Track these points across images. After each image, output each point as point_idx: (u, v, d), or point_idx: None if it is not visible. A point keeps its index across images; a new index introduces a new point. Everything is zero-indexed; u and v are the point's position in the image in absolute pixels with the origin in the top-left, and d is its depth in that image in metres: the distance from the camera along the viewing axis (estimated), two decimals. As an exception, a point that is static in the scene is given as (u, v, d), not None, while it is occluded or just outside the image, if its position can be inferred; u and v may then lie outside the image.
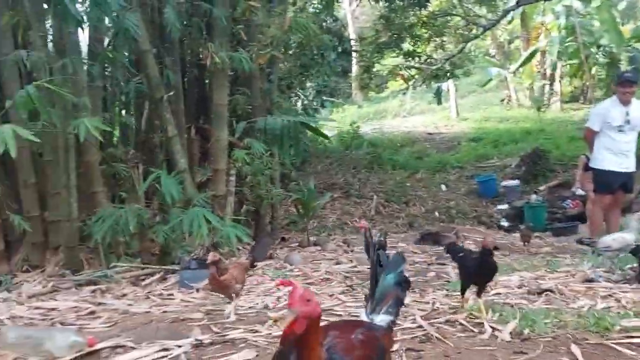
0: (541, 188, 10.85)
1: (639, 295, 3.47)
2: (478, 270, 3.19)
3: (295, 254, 5.74)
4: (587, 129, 5.99)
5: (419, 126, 16.72)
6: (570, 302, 3.46)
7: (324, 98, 21.63)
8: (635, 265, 4.06)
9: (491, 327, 2.89)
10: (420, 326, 3.00)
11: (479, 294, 3.21)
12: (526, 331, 2.72)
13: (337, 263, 5.61)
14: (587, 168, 7.05)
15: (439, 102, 18.87)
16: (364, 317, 1.74)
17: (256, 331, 2.97)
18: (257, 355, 2.57)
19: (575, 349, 2.40)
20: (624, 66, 13.77)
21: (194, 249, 5.50)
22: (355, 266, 5.38)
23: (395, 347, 2.61)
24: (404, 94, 18.61)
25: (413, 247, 7.09)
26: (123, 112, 7.08)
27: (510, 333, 2.74)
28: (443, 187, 12.18)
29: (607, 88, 13.68)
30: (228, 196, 6.24)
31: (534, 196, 10.35)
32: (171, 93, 5.81)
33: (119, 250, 5.11)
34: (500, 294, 3.94)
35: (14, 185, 5.29)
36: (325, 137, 7.69)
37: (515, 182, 11.28)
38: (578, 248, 6.29)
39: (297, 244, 7.35)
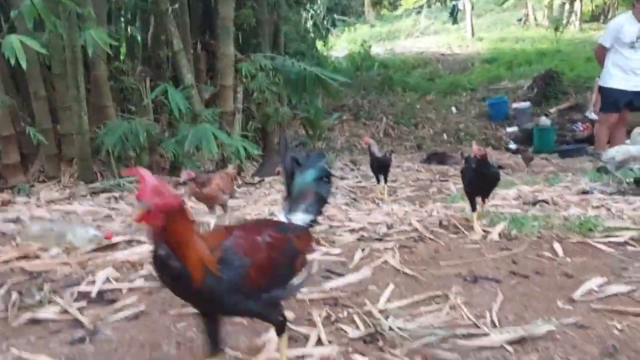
0: (552, 110, 10.77)
1: (629, 205, 3.60)
2: (477, 180, 3.13)
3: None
4: (599, 45, 5.87)
5: (432, 47, 16.32)
6: (562, 210, 3.61)
7: (336, 16, 21.07)
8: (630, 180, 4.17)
9: (482, 229, 3.07)
10: (416, 229, 3.18)
11: (482, 200, 3.26)
12: (514, 232, 2.88)
13: (342, 179, 5.79)
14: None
15: (455, 22, 18.21)
16: (281, 218, 1.58)
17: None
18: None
19: (557, 245, 2.57)
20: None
21: (203, 163, 5.70)
22: (360, 182, 5.56)
23: (390, 245, 2.81)
24: (419, 12, 17.98)
25: (419, 166, 7.24)
26: (129, 27, 7.04)
27: (499, 234, 2.91)
28: (453, 109, 12.12)
29: (631, 6, 13.12)
30: (235, 113, 6.33)
31: (543, 118, 10.29)
32: (176, 5, 5.75)
33: (130, 164, 5.30)
34: (497, 205, 4.10)
35: (25, 99, 5.42)
36: (336, 94, 7.53)
37: (527, 104, 11.18)
38: (580, 167, 6.40)
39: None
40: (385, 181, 4.91)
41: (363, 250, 2.65)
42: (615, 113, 5.77)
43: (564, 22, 14.75)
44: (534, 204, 3.96)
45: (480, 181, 3.12)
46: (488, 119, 11.61)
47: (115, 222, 3.60)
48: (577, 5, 14.41)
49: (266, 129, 7.26)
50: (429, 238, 2.97)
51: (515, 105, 11.26)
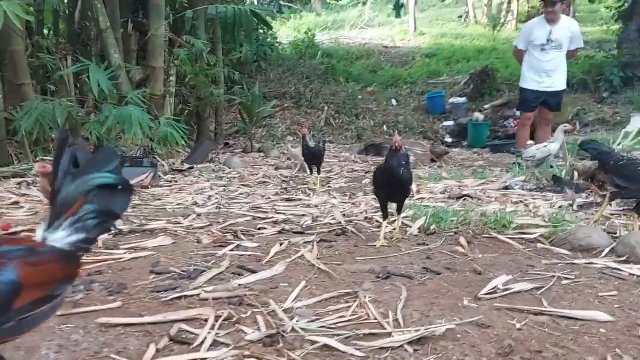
0: (486, 106, 11.08)
1: (546, 202, 3.71)
2: (388, 180, 2.67)
3: (235, 158, 5.76)
4: (514, 48, 6.06)
5: (376, 39, 16.39)
6: (484, 205, 3.68)
7: (282, 3, 20.75)
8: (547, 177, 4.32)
9: (404, 223, 3.06)
10: (340, 222, 3.13)
11: (398, 210, 2.82)
12: (433, 227, 2.89)
13: (277, 168, 5.68)
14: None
15: (398, 15, 18.43)
16: (38, 235, 1.20)
17: (178, 223, 3.03)
18: (173, 242, 2.64)
19: (463, 241, 2.60)
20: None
21: (130, 147, 5.42)
22: (293, 172, 5.47)
23: (311, 238, 2.74)
24: (364, 4, 17.99)
25: (356, 157, 7.24)
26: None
27: (419, 228, 2.91)
28: (394, 102, 12.24)
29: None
30: (167, 96, 6.06)
31: (477, 114, 10.59)
32: (104, -19, 5.40)
33: (49, 145, 4.96)
34: (423, 198, 4.14)
35: None
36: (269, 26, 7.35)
37: (463, 99, 11.46)
38: (508, 163, 6.61)
39: (241, 150, 7.36)
40: (319, 172, 4.86)
41: (281, 244, 2.57)
42: (529, 113, 5.98)
43: (502, 21, 15.19)
44: (459, 198, 4.02)
45: (389, 183, 2.68)
46: (426, 112, 11.82)
47: (22, 209, 3.34)
48: (514, 5, 14.87)
49: (200, 114, 7.02)
50: (352, 232, 2.93)
51: (452, 100, 11.52)
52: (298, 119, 10.91)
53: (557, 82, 5.76)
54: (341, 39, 15.96)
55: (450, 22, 17.54)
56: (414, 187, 4.50)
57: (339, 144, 10.03)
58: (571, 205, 3.61)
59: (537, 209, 3.43)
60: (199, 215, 3.23)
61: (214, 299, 1.89)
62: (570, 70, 11.34)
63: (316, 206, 3.73)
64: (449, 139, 10.75)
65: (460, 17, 17.49)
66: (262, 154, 6.96)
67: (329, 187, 4.91)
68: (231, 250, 2.49)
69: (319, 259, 2.39)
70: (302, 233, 2.85)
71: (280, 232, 2.87)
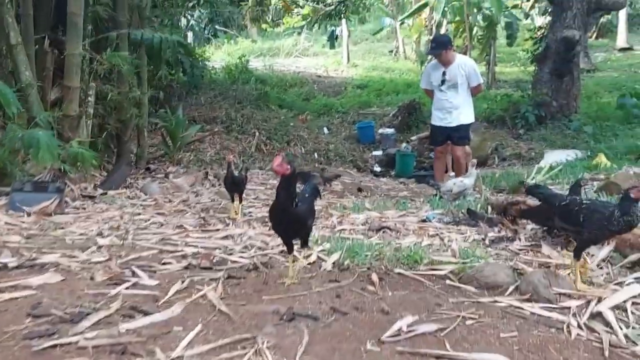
0: (413, 138, 11.42)
1: (461, 235, 3.76)
2: (281, 215, 2.37)
3: (153, 184, 5.49)
4: (423, 89, 6.37)
5: (310, 68, 16.61)
6: (401, 238, 3.68)
7: (217, 27, 20.62)
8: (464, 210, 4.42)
9: (319, 257, 2.97)
10: (253, 256, 3.00)
11: (302, 245, 2.62)
12: (347, 262, 2.82)
13: (197, 195, 5.46)
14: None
15: (332, 46, 18.86)
16: None
17: (74, 256, 2.77)
18: (63, 279, 2.39)
19: (375, 277, 2.54)
20: (499, 30, 14.61)
21: (39, 171, 5.02)
22: (214, 199, 5.27)
23: (218, 274, 2.58)
24: (299, 33, 18.24)
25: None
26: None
27: (333, 263, 2.83)
28: (325, 130, 12.34)
29: (484, 49, 14.49)
30: (83, 117, 5.72)
31: (404, 145, 10.87)
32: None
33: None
34: (344, 229, 4.08)
35: None
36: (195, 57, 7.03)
37: (391, 130, 11.74)
38: (430, 194, 6.76)
39: (163, 174, 7.05)
40: (240, 200, 4.70)
41: (183, 282, 2.39)
42: (439, 147, 6.21)
43: (429, 57, 15.86)
44: (378, 230, 4.00)
45: (282, 219, 2.41)
46: (357, 141, 12.00)
47: None
48: (440, 43, 15.60)
49: (121, 136, 6.68)
50: (264, 266, 2.80)
51: (381, 130, 11.78)
52: (228, 143, 10.70)
53: (457, 118, 5.98)
54: (275, 66, 16.03)
55: (381, 56, 18.15)
56: (334, 218, 4.49)
57: (266, 170, 9.93)
58: (483, 239, 3.67)
59: (450, 242, 3.47)
60: (99, 247, 2.98)
61: (93, 347, 1.69)
62: (491, 107, 12.05)
63: (232, 237, 3.57)
64: (377, 168, 10.94)
65: (391, 51, 18.13)
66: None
67: (251, 215, 4.76)
68: (126, 288, 2.28)
69: (222, 298, 2.23)
70: (209, 268, 2.68)
71: (186, 268, 2.68)
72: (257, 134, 11.08)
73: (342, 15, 14.21)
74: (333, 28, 18.00)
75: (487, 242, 3.61)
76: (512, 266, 2.77)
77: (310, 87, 14.61)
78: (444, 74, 5.82)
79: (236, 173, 4.65)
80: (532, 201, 4.27)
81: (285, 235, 2.50)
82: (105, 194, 5.01)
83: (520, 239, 3.63)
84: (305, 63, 17.25)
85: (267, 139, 11.11)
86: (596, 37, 19.00)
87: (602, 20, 18.15)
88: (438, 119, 6.00)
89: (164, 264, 2.72)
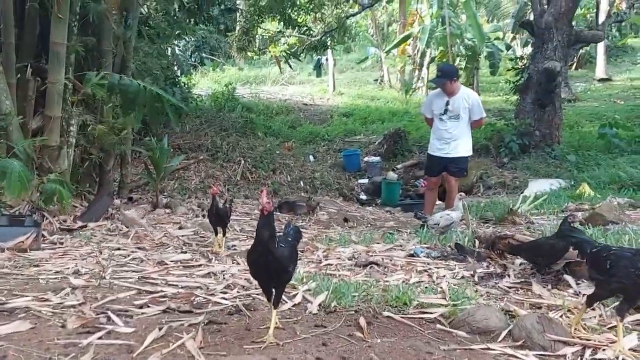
0: (398, 166, 11.42)
1: (450, 272, 3.68)
2: (258, 257, 2.18)
3: (134, 216, 5.32)
4: (423, 115, 6.32)
5: (296, 96, 16.68)
6: (389, 274, 3.58)
7: (204, 55, 20.69)
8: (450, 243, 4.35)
9: (304, 297, 2.86)
10: (235, 297, 2.87)
11: (275, 300, 2.30)
12: (333, 304, 2.71)
13: (181, 228, 5.31)
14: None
15: (318, 75, 19.00)
16: None
17: (46, 300, 2.61)
18: (32, 327, 2.24)
19: (362, 322, 2.43)
20: (482, 60, 14.85)
21: (17, 203, 4.85)
22: (196, 232, 5.13)
23: (199, 319, 2.45)
24: (286, 61, 18.36)
25: (267, 214, 7.00)
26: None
27: (320, 305, 2.71)
28: (311, 157, 12.30)
29: (467, 78, 14.70)
30: (64, 147, 5.57)
31: (390, 173, 10.86)
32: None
33: None
34: (330, 265, 3.98)
35: None
36: (177, 119, 6.72)
37: (377, 158, 11.74)
38: (417, 224, 6.69)
39: (146, 205, 6.89)
40: (224, 234, 4.58)
41: (160, 328, 2.25)
42: (434, 177, 6.13)
43: (413, 86, 16.06)
44: (365, 265, 3.90)
45: (261, 262, 2.18)
46: (342, 169, 11.97)
47: None
48: (424, 72, 15.82)
49: (103, 165, 6.53)
50: (246, 309, 2.67)
51: (366, 158, 11.77)
52: (213, 172, 10.58)
53: (455, 149, 5.91)
54: (262, 93, 16.06)
55: (366, 85, 18.33)
56: (320, 252, 4.39)
57: (255, 199, 9.82)
58: (472, 276, 3.59)
59: (439, 280, 3.38)
60: (73, 289, 2.82)
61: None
62: (475, 135, 12.11)
63: (215, 274, 3.44)
64: (363, 197, 10.89)
65: (376, 80, 18.33)
66: (168, 210, 6.55)
67: (235, 249, 4.63)
68: (100, 337, 2.14)
69: (201, 348, 2.10)
70: (189, 312, 2.55)
71: (164, 311, 2.54)
72: (242, 162, 10.99)
73: (327, 46, 14.33)
74: (319, 57, 18.15)
75: (476, 278, 3.53)
76: (503, 308, 2.68)
77: (296, 114, 14.64)
78: (447, 103, 5.75)
79: (220, 205, 4.54)
80: (521, 236, 4.23)
81: (266, 281, 2.32)
82: (85, 226, 4.84)
83: (509, 275, 3.56)
84: (292, 91, 17.34)
85: (252, 166, 11.02)
86: (576, 68, 19.44)
87: (581, 51, 18.61)
88: (436, 149, 5.92)
89: (141, 307, 2.58)
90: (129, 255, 3.86)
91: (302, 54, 16.15)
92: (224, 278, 3.32)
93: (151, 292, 2.89)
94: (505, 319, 2.45)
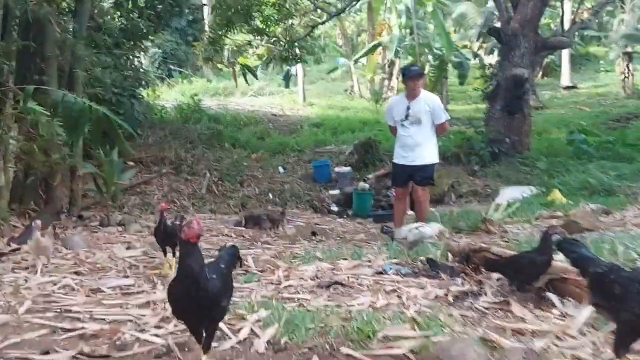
0: (369, 176, 11.06)
1: (421, 291, 3.28)
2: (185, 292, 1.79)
3: (75, 236, 4.79)
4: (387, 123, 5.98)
5: (265, 107, 16.25)
6: (354, 296, 3.16)
7: (172, 67, 20.12)
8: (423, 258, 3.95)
9: (252, 331, 2.41)
10: (170, 333, 2.40)
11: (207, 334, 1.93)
12: (284, 339, 2.26)
13: (129, 248, 4.79)
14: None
15: (287, 86, 18.64)
16: None
17: None
18: None
19: None
20: (451, 69, 14.74)
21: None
22: (146, 252, 4.62)
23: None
24: (243, 75, 17.96)
25: (231, 230, 6.50)
26: None
27: (268, 342, 2.27)
28: (280, 169, 11.86)
29: (436, 87, 14.53)
30: (2, 162, 5.02)
31: (361, 183, 10.49)
32: None
33: None
34: (291, 285, 3.54)
35: None
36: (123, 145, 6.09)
37: (348, 169, 11.38)
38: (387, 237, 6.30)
39: (98, 223, 6.33)
40: (174, 253, 4.09)
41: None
42: (400, 188, 5.77)
43: (383, 95, 15.83)
44: (329, 286, 3.47)
45: (188, 297, 1.79)
46: (313, 180, 11.56)
47: None
48: (394, 81, 15.61)
49: (49, 181, 5.96)
50: (178, 349, 2.20)
51: (337, 169, 11.39)
52: (177, 185, 10.04)
53: (420, 156, 5.54)
54: (230, 105, 15.57)
55: (337, 95, 18.03)
56: (280, 272, 3.95)
57: (221, 213, 9.34)
58: (446, 295, 3.20)
59: (410, 300, 2.97)
60: None
61: None
62: (445, 144, 11.91)
63: (154, 303, 2.95)
64: (334, 208, 10.48)
65: (346, 90, 18.06)
66: (121, 228, 6.00)
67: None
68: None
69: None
70: (106, 357, 2.07)
71: (74, 357, 2.06)
72: (208, 174, 10.48)
73: (297, 57, 13.99)
74: (288, 68, 17.78)
75: (450, 298, 3.14)
76: (482, 337, 2.28)
77: (265, 125, 14.19)
78: (407, 108, 5.42)
79: (169, 222, 4.06)
80: (497, 248, 3.86)
81: (195, 322, 1.88)
82: (19, 249, 4.28)
83: (486, 294, 3.17)
84: (261, 102, 16.90)
85: (219, 179, 10.51)
86: (542, 76, 19.57)
87: (546, 60, 18.74)
88: (400, 156, 5.56)
89: (46, 352, 2.09)
90: (58, 283, 3.34)
91: (271, 65, 15.79)
92: (163, 308, 2.84)
93: (68, 330, 2.40)
94: (485, 354, 2.05)
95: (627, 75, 16.30)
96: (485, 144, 10.94)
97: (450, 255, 4.04)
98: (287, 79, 17.73)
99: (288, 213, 8.03)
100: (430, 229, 4.30)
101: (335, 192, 10.94)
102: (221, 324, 2.42)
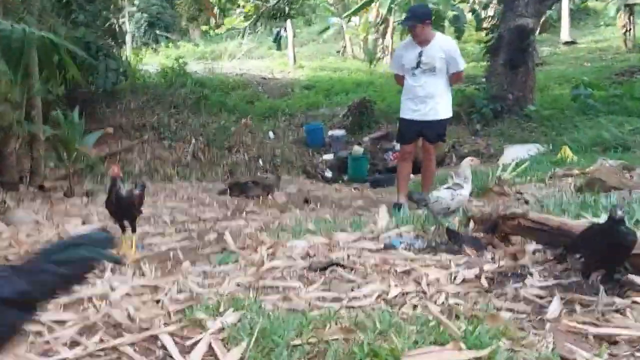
0: (365, 139, 10.18)
1: (443, 272, 2.45)
2: None
3: (20, 211, 3.91)
4: (393, 73, 5.00)
5: (254, 70, 15.13)
6: (357, 282, 2.33)
7: (158, 32, 18.81)
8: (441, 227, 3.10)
9: (212, 350, 1.56)
10: (89, 354, 1.55)
11: None
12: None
13: (84, 222, 3.92)
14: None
15: (278, 48, 17.46)
16: None
17: None
18: None
19: None
20: (446, 25, 13.67)
21: None
22: (105, 228, 3.75)
23: None
24: (243, 36, 16.73)
25: (212, 199, 5.62)
26: None
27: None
28: (271, 134, 10.93)
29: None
30: None
31: (356, 147, 9.61)
32: None
33: None
34: (276, 268, 2.71)
35: None
36: (76, 73, 5.06)
37: (342, 132, 10.47)
38: (389, 201, 5.44)
39: (63, 194, 5.43)
40: (133, 229, 3.24)
41: None
42: (407, 145, 4.89)
43: (377, 55, 14.73)
44: (324, 268, 2.64)
45: None
46: (305, 145, 10.66)
47: None
48: (388, 40, 14.48)
49: (2, 149, 5.04)
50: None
51: (330, 132, 10.49)
52: (160, 153, 9.12)
53: (433, 110, 4.65)
54: (217, 69, 14.44)
55: (328, 56, 16.87)
56: (263, 250, 3.06)
57: (208, 182, 8.49)
58: (478, 277, 2.37)
59: (432, 286, 2.15)
60: None
61: None
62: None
63: (90, 300, 2.11)
64: (328, 174, 9.64)
65: (338, 52, 16.92)
66: (87, 199, 5.11)
67: (150, 249, 3.30)
68: None
69: None
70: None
71: None
72: (193, 140, 9.54)
73: (285, 14, 12.84)
74: (278, 29, 16.55)
75: (484, 281, 2.31)
76: (560, 355, 1.44)
77: (254, 89, 13.14)
78: (420, 54, 4.48)
79: (124, 192, 3.18)
80: (536, 214, 3.01)
81: None
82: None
83: (531, 274, 2.35)
84: (251, 65, 15.75)
85: (205, 146, 9.58)
86: (540, 32, 18.44)
87: (544, 16, 17.60)
88: (409, 110, 4.65)
89: None
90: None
91: (260, 25, 14.62)
92: (96, 308, 1.99)
93: None
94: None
95: (628, 28, 15.23)
96: (487, 101, 10.01)
97: (471, 224, 3.19)
98: (278, 40, 16.55)
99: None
100: (468, 187, 3.33)
101: (329, 156, 10.08)
102: (167, 338, 1.57)
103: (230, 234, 3.48)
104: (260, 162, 9.68)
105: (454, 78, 4.81)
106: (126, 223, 3.24)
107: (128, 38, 17.92)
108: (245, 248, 3.20)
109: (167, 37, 18.97)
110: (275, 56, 17.02)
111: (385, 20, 13.80)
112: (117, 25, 10.30)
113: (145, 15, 18.44)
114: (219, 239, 3.51)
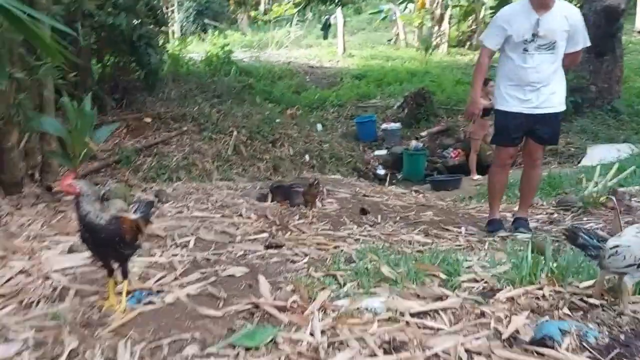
0: (423, 134, 8.78)
1: None
2: None
3: (15, 219, 2.80)
4: (482, 48, 3.48)
5: (302, 58, 13.89)
6: None
7: (207, 21, 17.87)
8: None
9: None
10: None
11: None
12: None
13: (71, 251, 2.77)
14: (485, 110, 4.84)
15: (326, 37, 16.17)
16: None
17: None
18: None
19: None
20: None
21: None
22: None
23: None
24: (291, 24, 15.50)
25: (250, 205, 4.36)
26: None
27: None
28: (319, 126, 9.68)
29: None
30: None
31: (414, 142, 8.25)
32: None
33: None
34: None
35: None
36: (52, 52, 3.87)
37: (397, 125, 9.11)
38: (476, 219, 4.06)
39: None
40: (124, 275, 2.05)
41: None
42: (510, 147, 3.47)
43: (433, 43, 13.16)
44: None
45: None
46: (356, 139, 9.38)
47: None
48: (445, 26, 12.88)
49: (2, 143, 4.00)
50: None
51: (384, 125, 9.14)
52: (199, 146, 8.04)
53: (548, 101, 3.29)
54: (264, 57, 13.29)
55: (380, 45, 15.40)
56: (316, 320, 1.80)
57: (249, 177, 7.37)
58: None
59: None
60: None
61: None
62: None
63: None
64: (381, 171, 8.33)
65: (390, 40, 15.39)
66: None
67: (150, 302, 2.11)
68: None
69: None
70: None
71: None
72: (235, 132, 8.41)
73: (336, 1, 11.48)
74: (327, 16, 15.21)
75: None
76: None
77: (301, 78, 11.92)
78: (537, 23, 3.10)
79: (102, 220, 1.98)
80: None
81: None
82: None
83: None
84: (298, 54, 14.52)
85: (247, 138, 8.43)
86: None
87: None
88: (516, 100, 3.25)
89: None
90: None
91: (309, 13, 13.35)
92: None
93: None
94: None
95: None
96: (566, 93, 8.34)
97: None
98: (327, 28, 15.22)
99: (326, 180, 5.83)
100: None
101: (382, 152, 8.76)
102: None
103: (266, 276, 2.25)
104: (307, 157, 8.47)
105: (570, 59, 3.38)
106: (113, 264, 2.07)
107: (177, 27, 17.09)
108: (288, 310, 1.96)
109: (215, 26, 18.03)
110: (323, 45, 15.73)
111: (445, 6, 12.17)
112: (161, 12, 9.23)
113: (194, 3, 17.57)
114: (252, 284, 2.26)
